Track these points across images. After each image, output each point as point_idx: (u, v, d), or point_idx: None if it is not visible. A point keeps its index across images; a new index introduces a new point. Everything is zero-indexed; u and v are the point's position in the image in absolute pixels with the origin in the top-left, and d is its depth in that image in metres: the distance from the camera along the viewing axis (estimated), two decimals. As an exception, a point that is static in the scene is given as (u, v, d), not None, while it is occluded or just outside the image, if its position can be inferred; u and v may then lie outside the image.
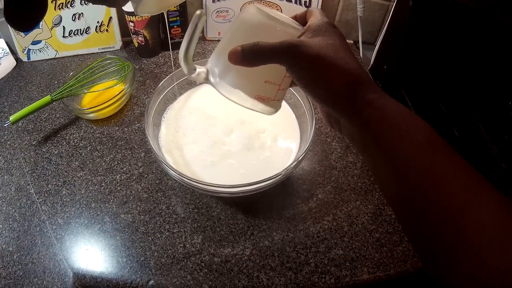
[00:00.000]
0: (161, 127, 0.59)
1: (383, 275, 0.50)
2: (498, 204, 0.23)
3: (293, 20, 0.37)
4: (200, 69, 0.36)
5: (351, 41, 0.89)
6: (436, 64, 0.74)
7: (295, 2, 0.78)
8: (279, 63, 0.31)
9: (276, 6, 0.79)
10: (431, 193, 0.25)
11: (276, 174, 0.48)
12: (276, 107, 0.38)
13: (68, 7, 0.78)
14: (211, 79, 0.36)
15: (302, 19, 0.37)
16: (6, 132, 0.71)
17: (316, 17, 0.34)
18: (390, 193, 0.29)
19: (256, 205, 0.57)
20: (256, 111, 0.37)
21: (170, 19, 0.78)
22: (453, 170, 0.25)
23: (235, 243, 0.54)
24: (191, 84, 0.65)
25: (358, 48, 0.86)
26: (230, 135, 0.58)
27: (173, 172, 0.49)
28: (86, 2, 0.78)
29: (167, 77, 0.60)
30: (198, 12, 0.34)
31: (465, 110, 0.71)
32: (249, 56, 0.31)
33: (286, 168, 0.49)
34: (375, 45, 0.86)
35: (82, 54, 0.85)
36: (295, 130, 0.60)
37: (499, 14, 0.59)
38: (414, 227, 0.26)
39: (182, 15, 0.79)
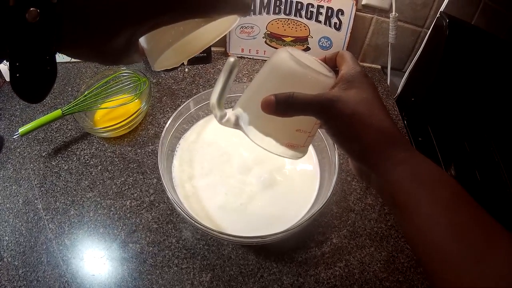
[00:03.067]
0: (174, 161, 0.58)
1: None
2: None
3: (324, 65, 0.36)
4: (230, 115, 0.36)
5: (379, 66, 0.85)
6: (465, 100, 0.70)
7: (325, 24, 0.73)
8: (314, 116, 0.32)
9: (305, 27, 0.74)
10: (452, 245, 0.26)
11: (288, 228, 0.47)
12: (303, 152, 0.38)
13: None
14: (242, 125, 0.36)
15: (332, 62, 0.36)
16: (16, 139, 0.69)
17: (348, 65, 0.33)
18: (416, 247, 0.29)
19: (268, 246, 0.56)
20: (285, 157, 0.36)
21: (191, 33, 0.75)
22: (475, 224, 0.26)
23: (244, 284, 0.52)
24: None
25: (386, 74, 0.82)
26: (247, 174, 0.56)
27: (191, 220, 0.47)
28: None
29: (182, 106, 0.57)
30: (231, 59, 0.33)
31: (488, 150, 0.69)
32: (283, 107, 0.31)
33: (299, 221, 0.47)
34: (404, 72, 0.81)
35: (97, 60, 0.82)
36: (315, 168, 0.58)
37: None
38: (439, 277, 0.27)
39: (204, 29, 0.75)
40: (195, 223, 0.46)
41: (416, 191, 0.29)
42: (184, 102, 0.59)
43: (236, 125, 0.36)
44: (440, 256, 0.26)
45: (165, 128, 0.54)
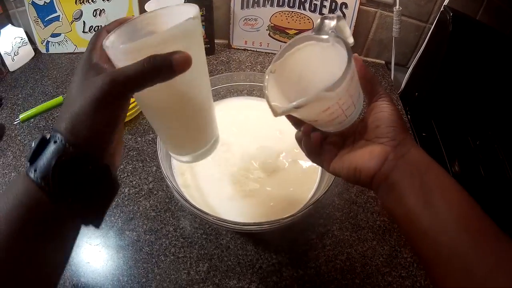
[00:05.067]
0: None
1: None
2: None
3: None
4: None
5: (383, 62, 0.84)
6: (469, 96, 0.69)
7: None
8: None
9: (308, 19, 0.74)
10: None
11: (287, 216, 0.46)
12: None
13: (89, 2, 0.75)
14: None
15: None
16: (18, 126, 0.69)
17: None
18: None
19: (267, 237, 0.54)
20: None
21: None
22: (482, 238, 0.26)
23: (242, 275, 0.51)
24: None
25: (390, 70, 0.81)
26: (249, 164, 0.55)
27: (188, 205, 0.46)
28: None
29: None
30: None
31: (492, 146, 0.67)
32: None
33: (299, 210, 0.46)
34: (408, 68, 0.81)
35: (101, 51, 0.82)
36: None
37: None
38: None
39: (207, 20, 0.75)
40: (193, 208, 0.45)
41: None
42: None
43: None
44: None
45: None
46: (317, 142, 0.35)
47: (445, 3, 0.65)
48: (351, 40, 0.32)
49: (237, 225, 0.45)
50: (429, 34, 0.69)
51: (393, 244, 0.55)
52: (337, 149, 0.36)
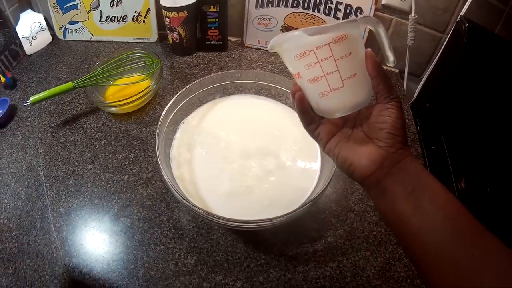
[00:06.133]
0: (173, 142, 0.58)
1: None
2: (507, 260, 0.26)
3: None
4: None
5: (397, 70, 0.82)
6: (481, 110, 0.67)
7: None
8: None
9: (322, 22, 0.73)
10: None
11: (280, 216, 0.45)
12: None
13: (107, -8, 0.77)
14: None
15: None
16: (29, 108, 0.72)
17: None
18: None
19: (258, 236, 0.54)
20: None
21: (208, 20, 0.75)
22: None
23: (229, 272, 0.51)
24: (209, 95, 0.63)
25: (403, 78, 0.79)
26: (247, 160, 0.55)
27: (187, 202, 0.46)
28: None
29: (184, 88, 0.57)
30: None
31: (502, 165, 0.64)
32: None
33: (294, 210, 0.45)
34: (422, 78, 0.79)
35: (116, 42, 0.84)
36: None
37: None
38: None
39: (221, 17, 0.76)
40: (182, 198, 0.45)
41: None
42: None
43: None
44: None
45: (167, 106, 0.55)
46: (300, 100, 0.35)
47: (462, 13, 0.63)
48: (390, 57, 0.36)
49: (224, 220, 0.45)
50: (443, 45, 0.67)
51: (387, 257, 0.53)
52: (336, 128, 0.36)
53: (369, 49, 0.33)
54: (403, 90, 0.78)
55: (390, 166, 0.31)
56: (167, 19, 0.73)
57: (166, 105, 0.56)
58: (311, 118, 0.36)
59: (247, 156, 0.56)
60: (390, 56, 0.36)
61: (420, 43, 0.74)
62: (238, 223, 0.45)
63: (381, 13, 0.73)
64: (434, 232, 0.28)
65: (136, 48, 0.72)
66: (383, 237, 0.55)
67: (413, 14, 0.68)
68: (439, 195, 0.30)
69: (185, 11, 0.71)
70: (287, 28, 0.78)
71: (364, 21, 0.34)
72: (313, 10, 0.73)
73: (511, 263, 0.26)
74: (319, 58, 0.32)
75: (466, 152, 0.67)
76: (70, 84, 0.65)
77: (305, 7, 0.73)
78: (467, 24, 0.60)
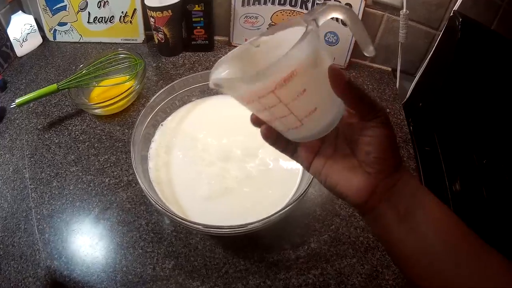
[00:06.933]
0: (151, 145, 0.56)
1: None
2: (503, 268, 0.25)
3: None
4: None
5: (389, 69, 0.79)
6: (476, 109, 0.64)
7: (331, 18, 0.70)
8: None
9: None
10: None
11: (250, 222, 0.44)
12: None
13: (94, -6, 0.76)
14: None
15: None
16: (18, 110, 0.72)
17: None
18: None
19: (238, 242, 0.53)
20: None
21: (194, 19, 0.74)
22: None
23: (206, 278, 0.49)
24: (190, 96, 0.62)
25: (396, 77, 0.77)
26: (225, 163, 0.54)
27: (160, 207, 0.45)
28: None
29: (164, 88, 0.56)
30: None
31: (499, 166, 0.61)
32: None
33: (276, 212, 0.44)
34: (415, 76, 0.76)
35: (105, 43, 0.84)
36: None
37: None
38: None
39: (207, 17, 0.74)
40: (154, 202, 0.44)
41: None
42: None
43: None
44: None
45: (144, 110, 0.54)
46: (266, 135, 0.31)
47: (455, 7, 0.60)
48: (369, 48, 0.29)
49: (198, 225, 0.43)
50: (437, 41, 0.64)
51: (375, 264, 0.51)
52: (317, 143, 0.31)
53: (332, 66, 0.26)
54: (396, 89, 0.75)
55: (382, 192, 0.28)
56: (152, 19, 0.72)
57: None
58: (284, 143, 0.32)
59: (226, 158, 0.54)
60: (367, 46, 0.30)
61: (413, 40, 0.71)
62: (212, 229, 0.44)
63: (372, 10, 0.71)
64: (428, 253, 0.27)
65: (120, 49, 0.71)
66: (370, 243, 0.53)
67: (404, 10, 0.65)
68: (432, 212, 0.28)
69: (170, 11, 0.70)
70: (275, 27, 0.76)
71: (321, 13, 0.26)
72: (301, 7, 0.71)
73: (510, 278, 0.25)
74: (266, 105, 0.26)
75: (460, 153, 0.64)
76: (54, 86, 0.65)
77: (292, 4, 0.71)
78: (460, 20, 0.57)
